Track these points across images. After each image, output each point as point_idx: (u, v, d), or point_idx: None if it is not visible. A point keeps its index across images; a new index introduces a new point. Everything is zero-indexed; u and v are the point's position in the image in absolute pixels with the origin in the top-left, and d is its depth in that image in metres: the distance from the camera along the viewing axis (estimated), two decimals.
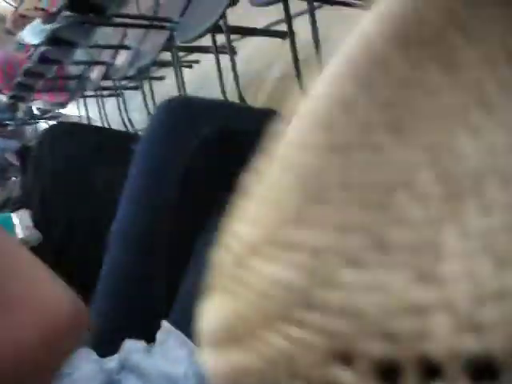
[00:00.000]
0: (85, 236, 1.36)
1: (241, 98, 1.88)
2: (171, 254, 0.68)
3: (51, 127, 1.68)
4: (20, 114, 5.54)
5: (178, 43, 1.99)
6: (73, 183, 1.48)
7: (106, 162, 1.55)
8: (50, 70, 3.06)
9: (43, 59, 2.71)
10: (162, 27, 2.00)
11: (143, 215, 0.68)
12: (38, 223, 1.45)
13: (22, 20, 6.20)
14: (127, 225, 0.70)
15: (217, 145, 0.70)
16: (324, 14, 1.67)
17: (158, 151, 0.71)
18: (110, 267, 0.72)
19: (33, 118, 5.68)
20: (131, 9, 2.28)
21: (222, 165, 0.70)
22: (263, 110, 0.80)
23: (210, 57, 2.51)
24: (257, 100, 2.02)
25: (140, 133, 2.95)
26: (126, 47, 2.48)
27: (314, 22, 1.53)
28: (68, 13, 2.02)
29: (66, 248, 1.37)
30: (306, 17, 1.59)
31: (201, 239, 0.67)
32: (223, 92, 1.99)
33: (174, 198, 0.68)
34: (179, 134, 0.71)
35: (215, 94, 2.45)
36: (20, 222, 1.46)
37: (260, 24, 2.08)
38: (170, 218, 0.68)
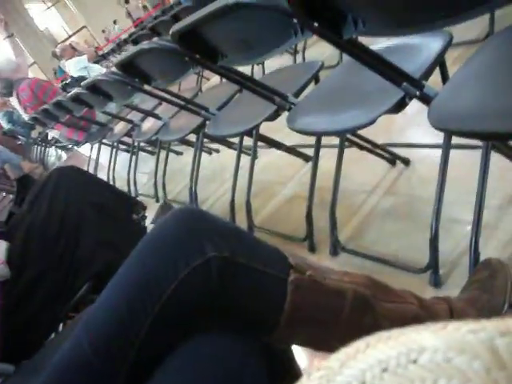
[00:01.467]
0: (48, 295, 1.32)
1: (248, 202, 1.90)
2: (133, 368, 0.65)
3: (61, 169, 1.68)
4: (34, 134, 5.61)
5: (207, 132, 2.03)
6: (61, 234, 1.46)
7: (100, 223, 1.54)
8: (78, 110, 3.13)
9: (77, 99, 2.78)
10: (197, 112, 2.05)
11: (120, 321, 0.66)
12: (11, 259, 1.41)
13: (70, 50, 6.44)
14: (100, 321, 0.68)
15: (217, 270, 0.69)
16: (349, 152, 1.73)
17: (156, 258, 0.70)
18: (69, 354, 0.68)
19: (44, 142, 5.74)
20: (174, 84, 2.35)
21: (212, 292, 0.69)
22: (274, 250, 0.79)
23: (231, 151, 2.58)
24: (261, 211, 2.04)
25: (140, 198, 2.97)
26: (158, 117, 2.54)
27: (340, 158, 1.58)
28: (116, 70, 2.09)
29: (25, 299, 1.32)
30: (332, 150, 1.65)
31: (166, 365, 0.64)
32: (233, 190, 2.02)
33: (155, 313, 0.66)
34: (184, 246, 0.70)
35: (224, 187, 2.49)
36: None
37: (288, 140, 2.15)
38: (144, 333, 0.66)
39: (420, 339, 0.22)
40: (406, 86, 1.05)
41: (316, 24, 0.90)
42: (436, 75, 1.21)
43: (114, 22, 17.06)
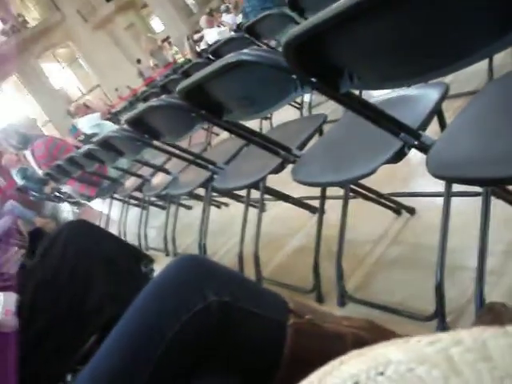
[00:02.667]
0: (56, 347, 1.32)
1: (256, 255, 1.91)
2: None
3: (71, 223, 1.72)
4: (47, 190, 5.70)
5: (215, 185, 2.07)
6: (70, 287, 1.47)
7: (108, 277, 1.56)
8: (90, 166, 3.19)
9: (89, 155, 2.85)
10: (205, 167, 2.10)
11: (123, 368, 0.67)
12: (20, 311, 1.42)
13: (84, 108, 6.63)
14: (104, 369, 0.69)
15: (218, 315, 0.71)
16: (355, 203, 1.75)
17: (158, 304, 0.72)
18: None
19: (57, 197, 5.83)
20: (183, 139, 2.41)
21: (213, 336, 0.70)
22: (274, 295, 0.81)
23: (239, 205, 2.61)
24: (269, 263, 2.05)
25: (150, 251, 2.99)
26: (167, 171, 2.59)
27: (345, 209, 1.60)
28: (127, 126, 2.16)
29: (34, 350, 1.33)
30: (338, 202, 1.68)
31: None
32: (241, 242, 2.04)
33: (157, 359, 0.67)
34: (185, 291, 0.72)
35: (233, 240, 2.50)
36: (3, 302, 1.44)
37: (295, 192, 2.18)
38: (147, 379, 0.67)
39: (386, 353, 0.24)
40: (404, 136, 1.08)
41: (314, 80, 0.94)
42: (436, 125, 1.25)
43: (138, 62, 17.56)
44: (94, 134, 5.86)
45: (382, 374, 0.23)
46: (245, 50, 1.09)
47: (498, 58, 2.16)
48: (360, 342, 0.79)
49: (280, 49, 0.88)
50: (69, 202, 6.12)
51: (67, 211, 6.61)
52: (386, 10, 0.71)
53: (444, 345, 0.23)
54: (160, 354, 0.68)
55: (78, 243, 1.59)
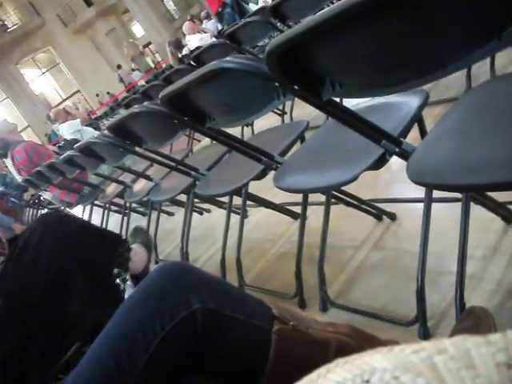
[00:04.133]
0: (36, 358, 1.30)
1: (238, 260, 1.92)
2: None
3: (45, 220, 1.66)
4: (27, 197, 5.64)
5: (197, 192, 2.07)
6: (46, 296, 1.44)
7: (87, 282, 1.52)
8: (71, 172, 3.17)
9: (69, 162, 2.82)
10: (187, 173, 2.10)
11: (107, 375, 0.67)
12: None
13: (64, 114, 6.58)
14: (88, 376, 0.69)
15: (202, 321, 0.71)
16: (337, 209, 1.76)
17: (142, 312, 0.72)
18: None
19: (36, 204, 5.77)
20: (166, 146, 2.41)
21: (198, 343, 0.71)
22: (258, 302, 0.81)
23: (222, 211, 2.62)
24: (251, 269, 2.05)
25: None
26: (149, 178, 2.58)
27: (326, 215, 1.61)
28: (108, 133, 2.15)
29: (12, 363, 1.30)
30: (320, 208, 1.69)
31: None
32: (223, 248, 2.04)
33: (142, 365, 0.67)
34: (169, 299, 0.72)
35: (216, 246, 2.50)
36: None
37: (277, 198, 2.19)
38: (132, 382, 0.67)
39: (371, 361, 0.24)
40: (385, 143, 1.09)
41: (296, 87, 0.95)
42: (416, 131, 1.26)
43: (119, 67, 17.37)
44: (74, 140, 5.82)
45: (367, 381, 0.24)
46: (227, 58, 1.10)
47: (476, 65, 2.20)
48: (344, 348, 0.80)
49: (261, 55, 0.88)
50: (48, 209, 6.06)
51: None
52: (367, 21, 0.72)
53: (428, 353, 0.23)
54: (145, 361, 0.68)
55: (53, 246, 1.53)
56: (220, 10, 7.03)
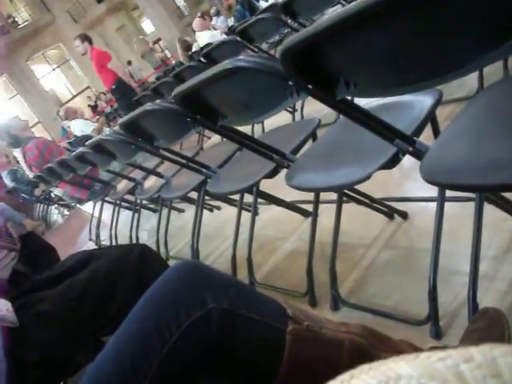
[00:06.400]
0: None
1: (249, 258, 1.92)
2: None
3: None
4: (38, 192, 5.67)
5: (209, 189, 2.07)
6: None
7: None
8: (82, 169, 3.18)
9: (81, 158, 2.83)
10: (198, 170, 2.10)
11: (123, 374, 0.67)
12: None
13: (74, 112, 6.62)
14: (104, 375, 0.69)
15: (217, 321, 0.71)
16: (348, 207, 1.76)
17: (157, 311, 0.72)
18: None
19: (47, 200, 5.80)
20: (177, 143, 2.41)
21: (213, 343, 0.71)
22: (272, 301, 0.81)
23: (232, 208, 2.62)
24: (262, 267, 2.06)
25: None
26: (160, 175, 2.59)
27: (338, 213, 1.61)
28: (120, 130, 2.15)
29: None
30: (331, 206, 1.69)
31: None
32: (234, 246, 2.04)
33: (158, 365, 0.68)
34: (184, 298, 0.73)
35: (226, 244, 2.51)
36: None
37: (288, 196, 2.19)
38: (147, 382, 0.67)
39: (397, 368, 0.25)
40: (399, 142, 1.09)
41: (310, 86, 0.95)
42: (429, 130, 1.26)
43: (129, 63, 17.18)
44: (84, 137, 5.86)
45: None
46: (241, 56, 1.10)
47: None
48: (357, 348, 0.80)
49: (272, 52, 0.88)
50: (59, 205, 6.10)
51: (57, 214, 6.58)
52: (382, 21, 0.72)
53: (454, 361, 0.24)
54: (160, 361, 0.68)
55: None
56: None
